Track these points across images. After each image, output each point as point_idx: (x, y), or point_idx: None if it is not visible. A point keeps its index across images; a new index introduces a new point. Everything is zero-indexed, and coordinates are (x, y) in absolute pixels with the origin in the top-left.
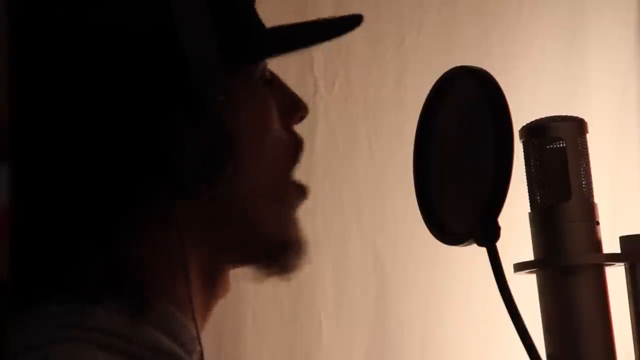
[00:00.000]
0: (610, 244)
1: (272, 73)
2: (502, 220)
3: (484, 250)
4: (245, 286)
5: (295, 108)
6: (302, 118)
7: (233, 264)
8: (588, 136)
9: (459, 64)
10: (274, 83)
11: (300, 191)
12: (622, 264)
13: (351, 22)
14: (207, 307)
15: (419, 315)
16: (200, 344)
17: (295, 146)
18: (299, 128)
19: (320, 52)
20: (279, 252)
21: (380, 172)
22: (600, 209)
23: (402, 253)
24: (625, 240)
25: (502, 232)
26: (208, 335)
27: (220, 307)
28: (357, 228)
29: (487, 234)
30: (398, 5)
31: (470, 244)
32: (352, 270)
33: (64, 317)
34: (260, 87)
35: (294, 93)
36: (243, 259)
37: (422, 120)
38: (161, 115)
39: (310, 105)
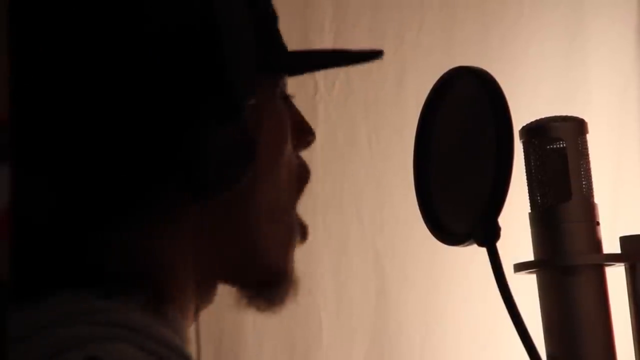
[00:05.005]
0: (610, 244)
1: (287, 93)
2: (502, 220)
3: (484, 250)
4: None
5: (305, 131)
6: (309, 144)
7: (225, 280)
8: (588, 136)
9: (459, 64)
10: (288, 102)
11: (303, 230)
12: (622, 264)
13: (373, 55)
14: (193, 316)
15: (419, 315)
16: (198, 344)
17: (303, 174)
18: None
19: None
20: (272, 282)
21: (380, 172)
22: (600, 209)
23: (401, 253)
24: (625, 240)
25: (502, 232)
26: (208, 335)
27: (221, 307)
28: (357, 228)
29: (487, 234)
30: (398, 5)
31: (470, 244)
32: (352, 270)
33: (91, 314)
34: (280, 103)
35: (304, 118)
36: (236, 278)
37: (422, 120)
38: (190, 114)
39: (310, 106)
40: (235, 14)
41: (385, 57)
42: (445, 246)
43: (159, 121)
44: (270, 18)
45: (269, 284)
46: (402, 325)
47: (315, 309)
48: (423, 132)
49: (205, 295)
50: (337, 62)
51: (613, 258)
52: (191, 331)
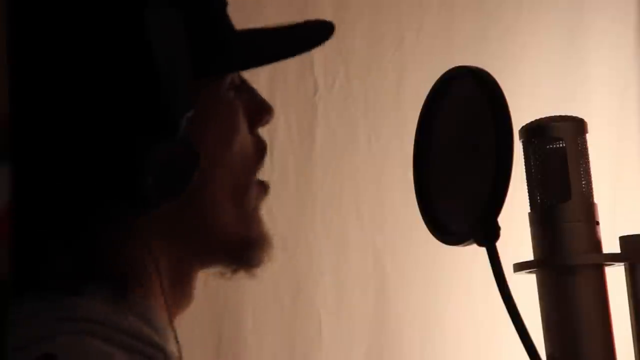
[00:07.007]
0: (610, 244)
1: (241, 78)
2: (502, 220)
3: (483, 250)
4: (246, 287)
5: (261, 112)
6: (267, 122)
7: (199, 265)
8: (588, 136)
9: (458, 64)
10: (243, 86)
11: (262, 189)
12: (622, 264)
13: (322, 34)
14: (171, 312)
15: (419, 314)
16: (174, 331)
17: (259, 150)
18: (299, 127)
19: (320, 52)
20: (240, 250)
21: (380, 172)
22: (600, 209)
23: (401, 253)
24: (625, 240)
25: (502, 232)
26: (208, 335)
27: (221, 307)
28: (356, 227)
29: (487, 234)
30: (398, 6)
31: (470, 244)
32: (352, 270)
33: (56, 310)
34: (227, 95)
35: (261, 97)
36: (207, 260)
37: (421, 120)
38: (128, 132)
39: (310, 105)
40: (166, 30)
41: (385, 57)
42: (445, 246)
43: (100, 141)
44: (215, 6)
45: (239, 253)
46: (402, 325)
47: (315, 309)
48: (423, 131)
49: (183, 287)
50: (281, 54)
51: (613, 258)
52: (190, 331)
